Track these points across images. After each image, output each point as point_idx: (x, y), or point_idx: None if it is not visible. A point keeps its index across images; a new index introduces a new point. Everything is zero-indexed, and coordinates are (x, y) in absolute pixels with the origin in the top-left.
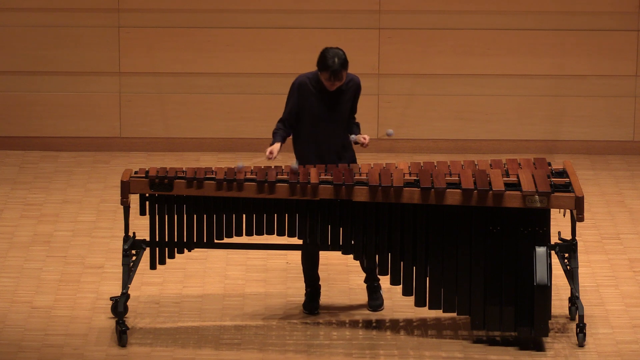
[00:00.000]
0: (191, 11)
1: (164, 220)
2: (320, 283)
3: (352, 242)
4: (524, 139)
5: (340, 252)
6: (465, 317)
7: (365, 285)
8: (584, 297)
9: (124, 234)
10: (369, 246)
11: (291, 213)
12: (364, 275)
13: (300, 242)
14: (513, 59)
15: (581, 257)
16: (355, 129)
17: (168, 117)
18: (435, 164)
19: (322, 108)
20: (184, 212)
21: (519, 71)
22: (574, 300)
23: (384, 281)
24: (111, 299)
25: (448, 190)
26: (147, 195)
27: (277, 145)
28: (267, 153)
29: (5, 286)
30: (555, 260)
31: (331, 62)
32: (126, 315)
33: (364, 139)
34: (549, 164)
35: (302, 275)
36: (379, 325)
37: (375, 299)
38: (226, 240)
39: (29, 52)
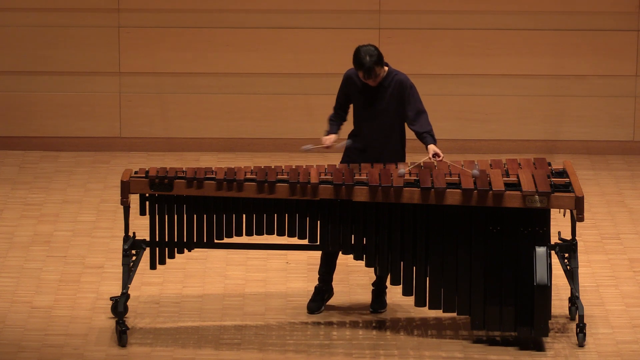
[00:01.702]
0: (191, 11)
1: (164, 220)
2: (332, 286)
3: (352, 242)
4: (524, 139)
5: (340, 252)
6: (465, 317)
7: (369, 285)
8: (584, 297)
9: (124, 234)
10: (369, 246)
11: (291, 213)
12: (364, 275)
13: (300, 242)
14: (513, 59)
15: (581, 257)
16: (430, 139)
17: (168, 117)
18: (435, 164)
19: (364, 103)
20: (184, 212)
21: (519, 71)
22: (574, 300)
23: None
24: (111, 299)
25: (448, 190)
26: (147, 195)
27: (331, 137)
28: (324, 141)
29: (5, 286)
30: (555, 260)
31: (364, 60)
32: (126, 315)
33: (437, 155)
34: (549, 164)
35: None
36: (379, 325)
37: (378, 302)
38: (226, 240)
39: (29, 52)
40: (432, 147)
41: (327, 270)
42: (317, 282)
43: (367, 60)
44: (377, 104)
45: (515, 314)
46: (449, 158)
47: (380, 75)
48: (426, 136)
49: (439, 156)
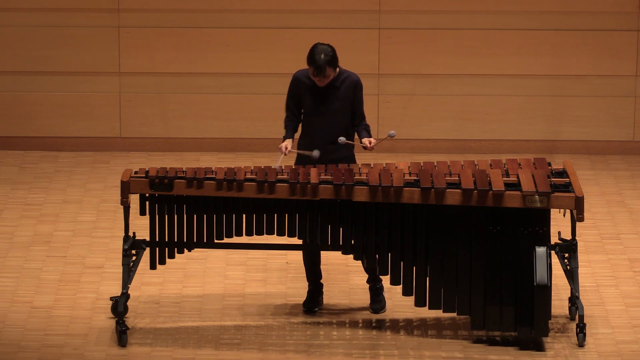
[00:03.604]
0: (191, 11)
1: (164, 220)
2: (322, 282)
3: (352, 242)
4: (524, 139)
5: (340, 252)
6: (465, 317)
7: (367, 286)
8: (584, 297)
9: (124, 234)
10: (369, 246)
11: (291, 213)
12: (364, 275)
13: (300, 242)
14: (513, 59)
15: (581, 257)
16: (364, 133)
17: (168, 117)
18: (435, 164)
19: (314, 102)
20: (184, 212)
21: (519, 71)
22: (574, 300)
23: (384, 281)
24: (111, 299)
25: (448, 190)
26: (147, 195)
27: (288, 142)
28: (283, 148)
29: (5, 286)
30: (555, 260)
31: (317, 57)
32: (126, 315)
33: (369, 142)
34: (549, 164)
35: (303, 274)
36: (379, 325)
37: (377, 302)
38: (226, 240)
39: (29, 52)
40: (367, 139)
41: (316, 277)
42: (308, 287)
43: (321, 58)
44: (329, 103)
45: (515, 314)
46: (449, 158)
47: (329, 77)
48: (365, 133)
49: (370, 143)
